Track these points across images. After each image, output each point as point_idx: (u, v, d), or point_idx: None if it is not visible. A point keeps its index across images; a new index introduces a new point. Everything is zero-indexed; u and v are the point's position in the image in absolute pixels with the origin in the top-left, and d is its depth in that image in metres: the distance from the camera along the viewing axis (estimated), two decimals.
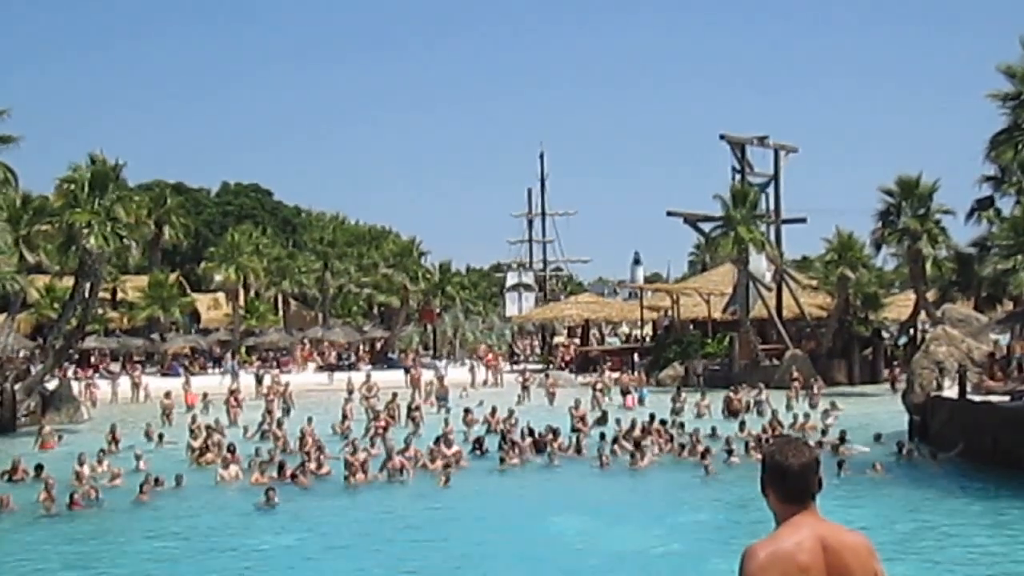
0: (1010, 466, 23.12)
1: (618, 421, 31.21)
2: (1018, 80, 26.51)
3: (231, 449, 26.75)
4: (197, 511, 21.44)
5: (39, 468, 24.61)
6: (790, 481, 4.18)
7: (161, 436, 30.97)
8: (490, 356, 61.59)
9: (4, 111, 31.39)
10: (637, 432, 28.35)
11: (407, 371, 51.73)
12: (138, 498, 21.93)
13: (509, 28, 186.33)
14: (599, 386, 42.06)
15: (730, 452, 26.03)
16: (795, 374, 42.82)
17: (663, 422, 30.15)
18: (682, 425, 30.40)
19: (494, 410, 33.45)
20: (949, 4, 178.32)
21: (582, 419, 32.44)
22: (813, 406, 35.99)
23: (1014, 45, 31.77)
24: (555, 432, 28.17)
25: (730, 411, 35.70)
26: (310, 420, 30.97)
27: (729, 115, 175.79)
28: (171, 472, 24.36)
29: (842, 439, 27.10)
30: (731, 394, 37.75)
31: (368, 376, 45.64)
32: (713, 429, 30.24)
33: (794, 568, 3.98)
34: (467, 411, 34.47)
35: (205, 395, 40.39)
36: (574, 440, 28.48)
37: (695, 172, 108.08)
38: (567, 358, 62.48)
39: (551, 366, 59.90)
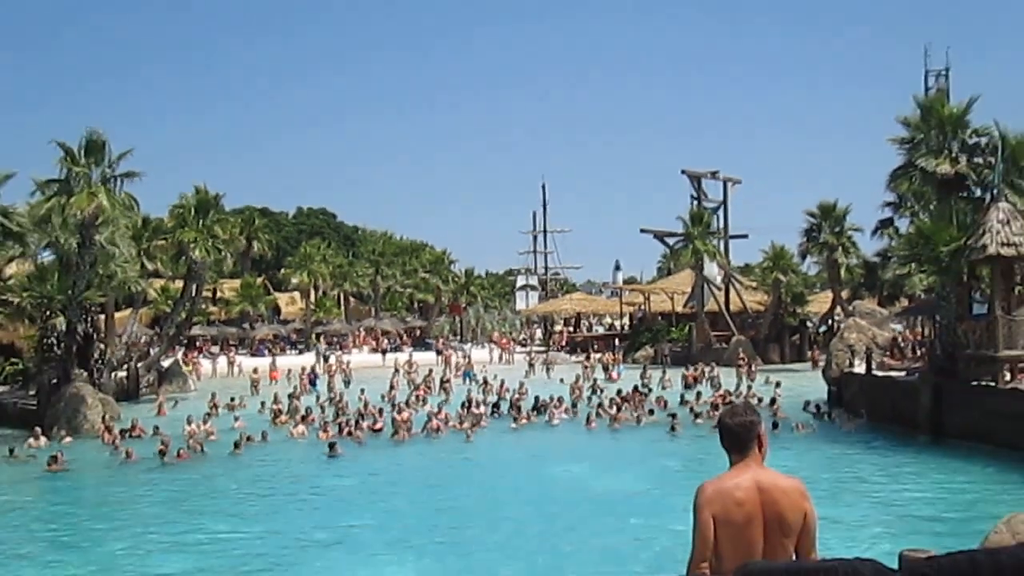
0: (904, 425, 23.20)
1: (601, 391, 31.25)
2: (912, 128, 26.39)
3: (307, 413, 26.91)
4: (278, 460, 21.58)
5: (156, 428, 24.77)
6: (730, 436, 4.20)
7: (263, 403, 29.70)
8: (504, 340, 61.59)
9: (129, 151, 31.26)
10: (618, 399, 28.42)
11: (439, 352, 51.85)
12: (235, 452, 22.04)
13: (517, 90, 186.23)
14: (588, 364, 42.04)
15: (696, 415, 26.12)
16: (740, 355, 42.63)
17: (636, 390, 30.27)
18: (647, 393, 30.46)
19: (503, 383, 33.54)
20: (859, 68, 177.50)
21: (580, 390, 32.48)
22: (752, 380, 35.93)
23: (908, 100, 32.07)
24: (560, 400, 28.34)
25: (687, 384, 35.64)
26: (363, 391, 31.06)
27: (688, 153, 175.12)
28: (258, 430, 24.51)
29: (772, 402, 27.34)
30: (685, 371, 37.82)
31: (410, 356, 45.74)
32: (682, 396, 30.23)
33: (731, 501, 4.02)
34: (485, 381, 34.71)
35: (289, 371, 40.38)
36: (570, 406, 28.63)
37: (662, 198, 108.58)
38: (563, 342, 62.38)
39: (551, 348, 59.83)
